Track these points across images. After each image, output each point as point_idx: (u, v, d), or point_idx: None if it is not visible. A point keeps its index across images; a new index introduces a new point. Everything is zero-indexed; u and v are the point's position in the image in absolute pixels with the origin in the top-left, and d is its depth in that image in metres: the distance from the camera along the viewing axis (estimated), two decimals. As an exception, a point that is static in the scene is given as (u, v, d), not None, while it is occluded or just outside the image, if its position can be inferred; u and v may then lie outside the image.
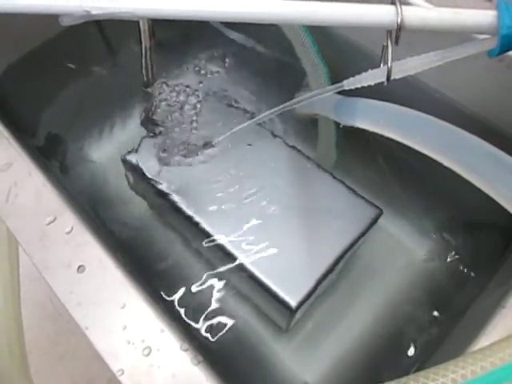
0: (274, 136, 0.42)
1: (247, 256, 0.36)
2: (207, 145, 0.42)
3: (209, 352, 0.28)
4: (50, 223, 0.30)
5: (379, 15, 0.23)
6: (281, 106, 0.33)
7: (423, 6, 0.36)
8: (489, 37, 0.23)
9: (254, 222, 0.37)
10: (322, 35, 0.42)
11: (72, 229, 0.30)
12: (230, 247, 0.36)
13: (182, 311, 0.38)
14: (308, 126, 0.47)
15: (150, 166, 0.40)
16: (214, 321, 0.38)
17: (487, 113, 0.40)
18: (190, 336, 0.27)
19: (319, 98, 0.31)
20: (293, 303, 0.34)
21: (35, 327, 0.67)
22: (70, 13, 0.23)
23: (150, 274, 0.40)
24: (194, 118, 0.44)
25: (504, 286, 0.29)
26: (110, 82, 0.52)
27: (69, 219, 0.30)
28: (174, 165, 0.41)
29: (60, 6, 0.23)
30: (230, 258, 0.36)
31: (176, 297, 0.39)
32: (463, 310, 0.35)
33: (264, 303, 0.38)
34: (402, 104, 0.31)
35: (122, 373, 0.25)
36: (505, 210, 0.26)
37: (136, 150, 0.41)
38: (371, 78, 0.27)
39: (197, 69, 0.50)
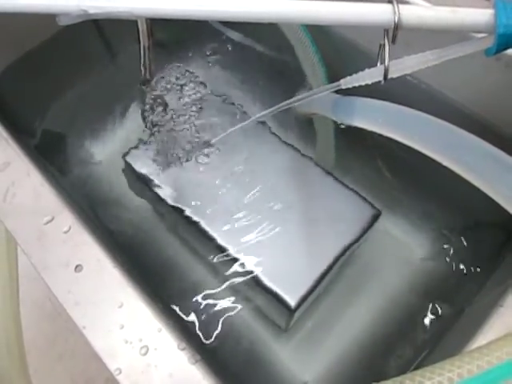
0: (273, 135, 0.42)
1: (247, 255, 0.36)
2: (206, 144, 0.42)
3: (206, 351, 0.28)
4: (47, 223, 0.30)
5: (376, 14, 0.23)
6: (279, 105, 0.33)
7: (421, 4, 0.36)
8: (486, 35, 0.23)
9: (254, 222, 0.37)
10: (320, 34, 0.42)
11: (70, 228, 0.30)
12: (229, 246, 0.36)
13: (179, 310, 0.38)
14: (307, 126, 0.47)
15: (148, 166, 0.40)
16: (212, 320, 0.38)
17: (486, 112, 0.40)
18: (187, 335, 0.27)
19: (317, 97, 0.31)
20: (292, 303, 0.34)
21: (34, 327, 0.67)
22: (67, 12, 0.23)
23: (148, 274, 0.40)
24: (193, 117, 0.44)
25: (502, 285, 0.29)
26: (109, 81, 0.52)
27: (67, 219, 0.30)
28: (172, 164, 0.41)
29: (58, 5, 0.23)
30: (229, 257, 0.36)
31: (173, 296, 0.39)
32: (461, 309, 0.35)
33: (263, 302, 0.38)
34: (400, 103, 0.31)
35: (120, 372, 0.25)
36: (503, 210, 0.26)
37: (134, 150, 0.41)
38: (368, 76, 0.27)
39: (196, 68, 0.50)
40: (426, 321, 0.40)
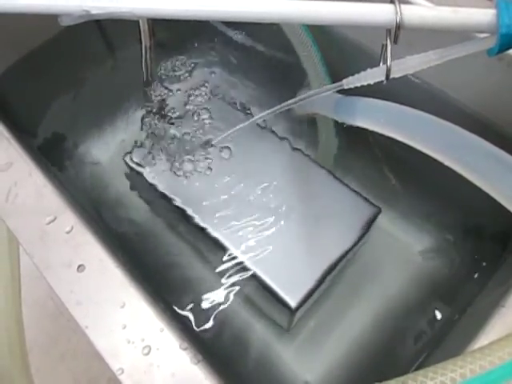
0: (275, 135, 0.42)
1: (248, 255, 0.36)
2: (207, 144, 0.42)
3: (208, 351, 0.28)
4: (50, 223, 0.30)
5: (378, 14, 0.23)
6: (281, 105, 0.33)
7: (423, 4, 0.36)
8: (488, 35, 0.23)
9: (255, 221, 0.37)
10: (322, 34, 0.42)
11: (72, 228, 0.30)
12: (230, 246, 0.36)
13: (182, 310, 0.38)
14: (308, 125, 0.47)
15: (149, 166, 0.40)
16: (215, 320, 0.38)
17: (488, 112, 0.40)
18: (189, 335, 0.27)
19: (319, 97, 0.31)
20: (293, 303, 0.34)
21: (36, 326, 0.67)
22: (69, 12, 0.23)
23: (150, 274, 0.40)
24: (194, 117, 0.44)
25: (503, 286, 0.29)
26: (111, 81, 0.52)
27: (69, 219, 0.30)
28: (173, 165, 0.41)
29: (59, 5, 0.23)
30: (230, 256, 0.36)
31: (176, 295, 0.39)
32: (463, 310, 0.35)
33: (265, 303, 0.38)
34: (402, 103, 0.31)
35: (122, 372, 0.25)
36: (505, 210, 0.26)
37: (135, 151, 0.41)
38: (370, 76, 0.27)
39: (197, 69, 0.50)
40: (428, 321, 0.40)
